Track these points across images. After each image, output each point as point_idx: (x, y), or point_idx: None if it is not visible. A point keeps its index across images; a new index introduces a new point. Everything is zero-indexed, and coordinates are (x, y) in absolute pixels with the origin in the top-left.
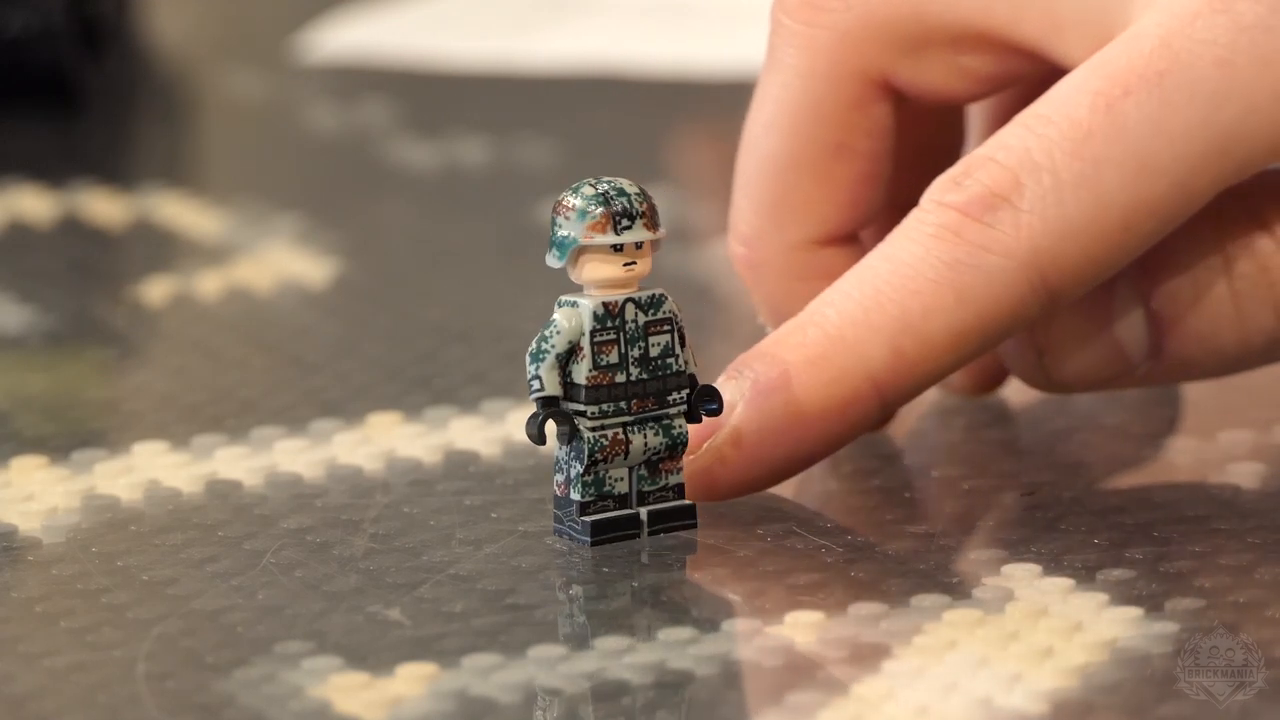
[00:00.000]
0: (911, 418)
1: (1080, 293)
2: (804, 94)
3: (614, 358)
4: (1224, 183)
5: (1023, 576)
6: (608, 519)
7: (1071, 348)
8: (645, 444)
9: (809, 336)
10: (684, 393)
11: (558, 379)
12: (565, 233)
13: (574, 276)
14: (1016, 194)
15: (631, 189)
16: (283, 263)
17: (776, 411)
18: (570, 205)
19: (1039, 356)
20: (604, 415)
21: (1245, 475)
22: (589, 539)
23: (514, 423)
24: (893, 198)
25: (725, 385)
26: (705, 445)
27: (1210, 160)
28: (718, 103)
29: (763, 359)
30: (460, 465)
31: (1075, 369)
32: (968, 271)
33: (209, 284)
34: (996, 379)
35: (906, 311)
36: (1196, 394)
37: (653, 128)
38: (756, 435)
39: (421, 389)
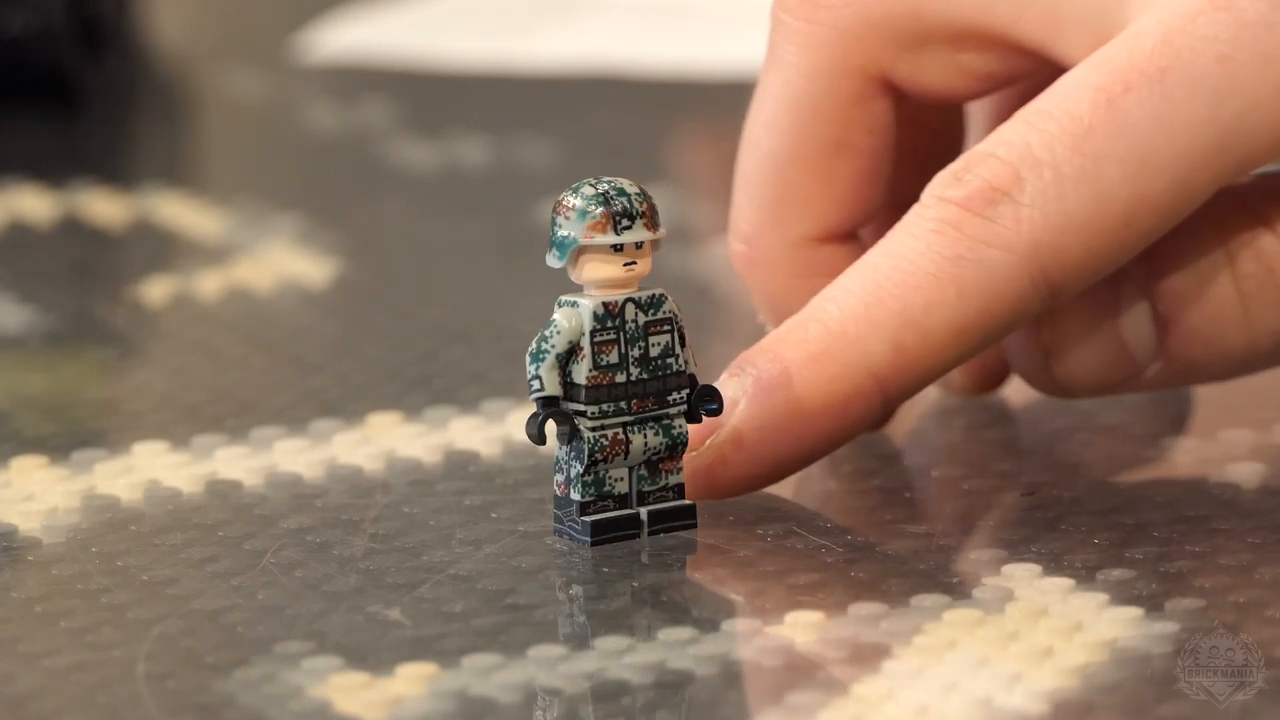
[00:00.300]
0: (911, 418)
1: (1081, 288)
2: (804, 91)
3: (614, 358)
4: (1225, 179)
5: (1023, 576)
6: (608, 519)
7: (1078, 352)
8: (645, 444)
9: (811, 333)
10: (684, 393)
11: (558, 379)
12: (565, 233)
13: (574, 276)
14: (1017, 188)
15: (631, 189)
16: (283, 263)
17: (779, 408)
18: (570, 205)
19: (1046, 360)
20: (604, 415)
21: (1245, 475)
22: (589, 539)
23: (514, 423)
24: (892, 196)
25: (727, 383)
26: (707, 443)
27: (1211, 157)
28: (718, 103)
29: (765, 356)
30: (460, 465)
31: (1082, 373)
32: (969, 266)
33: (209, 284)
34: (997, 379)
35: (908, 307)
36: (1197, 394)
37: (653, 128)
38: (759, 432)
39: (421, 389)
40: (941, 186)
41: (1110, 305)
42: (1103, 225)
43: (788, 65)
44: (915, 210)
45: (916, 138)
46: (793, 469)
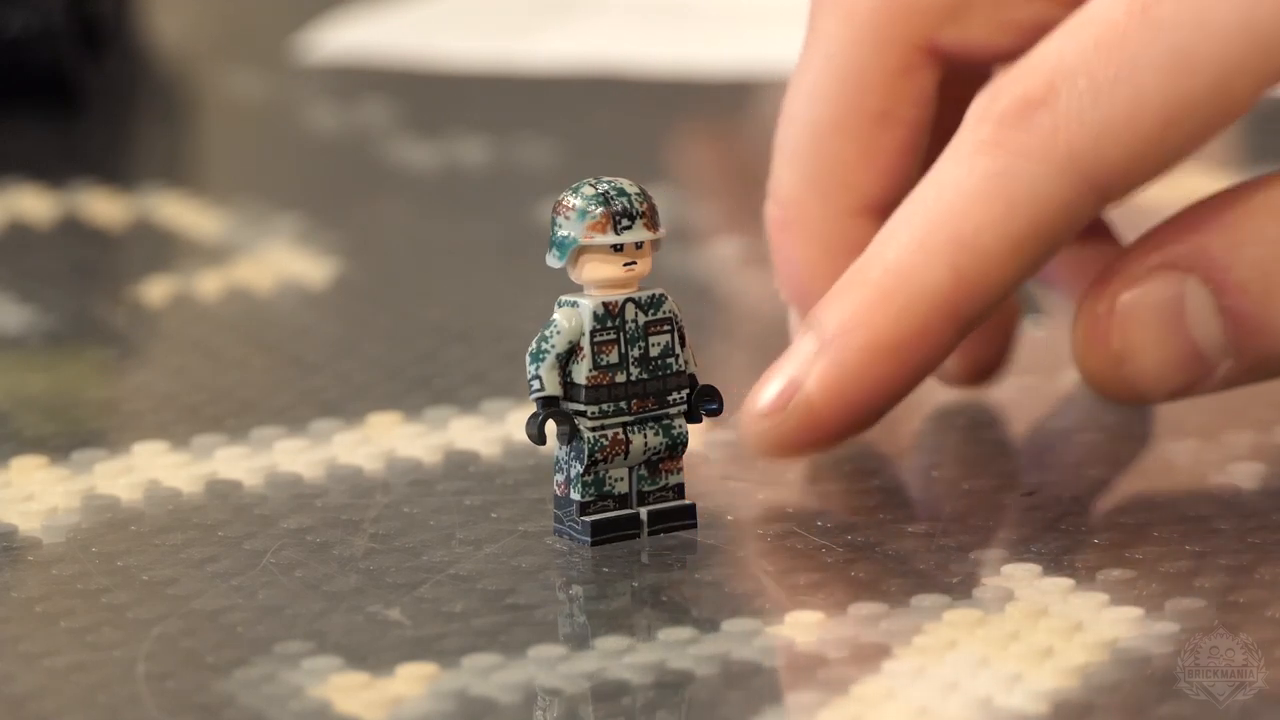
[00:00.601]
0: (912, 418)
1: (1130, 191)
2: (848, 61)
3: (614, 358)
4: (1265, 85)
5: (1023, 576)
6: (608, 519)
7: (1148, 355)
8: (645, 444)
9: (871, 276)
10: (684, 392)
11: (558, 379)
12: (565, 233)
13: (574, 276)
14: (1052, 98)
15: (631, 189)
16: (283, 263)
17: (853, 355)
18: (570, 205)
19: (1118, 367)
20: (604, 415)
21: (1245, 475)
22: (589, 539)
23: (514, 423)
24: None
25: (802, 340)
26: (791, 404)
27: (1249, 60)
28: (718, 103)
29: (831, 307)
30: (460, 465)
31: (1154, 375)
32: (1012, 180)
33: (209, 284)
34: (990, 368)
35: (959, 232)
36: None
37: (653, 128)
38: (840, 382)
39: (421, 389)
40: (979, 108)
41: (1176, 305)
42: (1141, 129)
43: (830, 37)
44: (956, 137)
45: (950, 112)
46: (878, 413)
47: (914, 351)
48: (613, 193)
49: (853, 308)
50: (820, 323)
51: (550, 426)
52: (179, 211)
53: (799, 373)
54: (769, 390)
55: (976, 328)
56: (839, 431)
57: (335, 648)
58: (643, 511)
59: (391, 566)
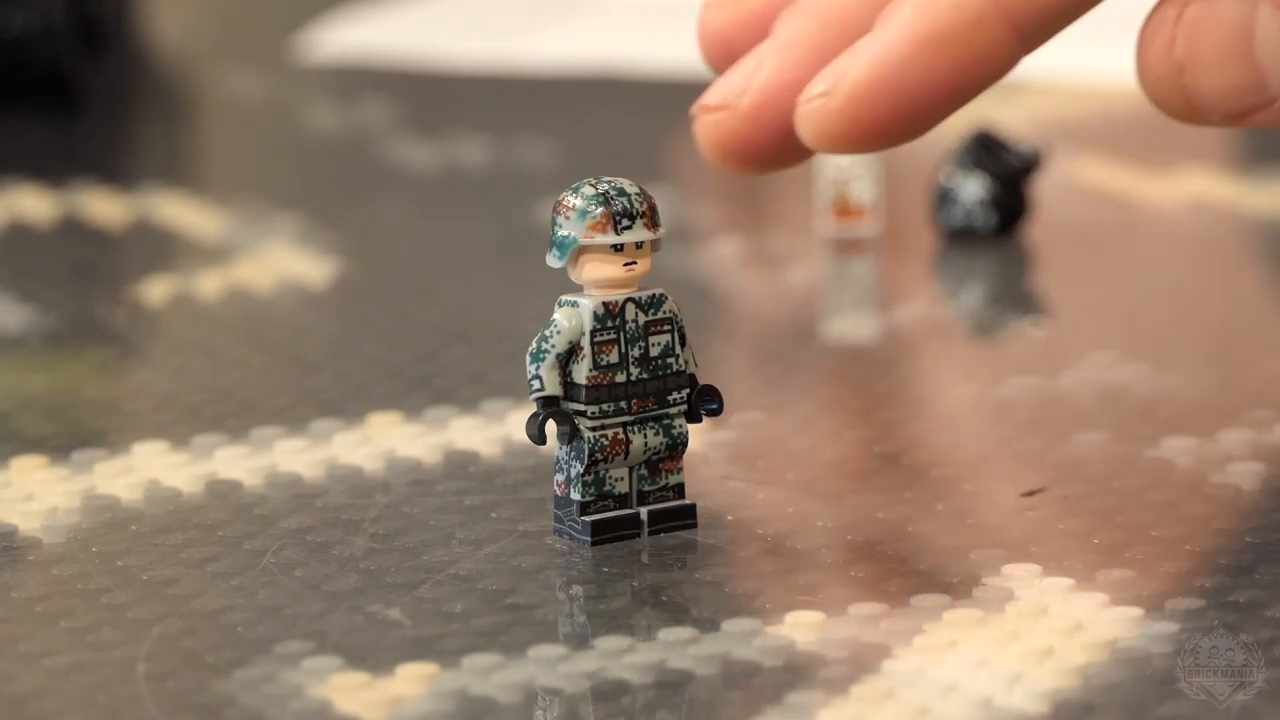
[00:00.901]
0: (912, 417)
1: None
2: None
3: (614, 357)
4: None
5: (1023, 576)
6: (608, 519)
7: (1211, 70)
8: (645, 444)
9: None
10: (684, 392)
11: (558, 379)
12: (565, 232)
13: (574, 276)
14: None
15: (631, 189)
16: (283, 263)
17: (903, 40)
18: (570, 205)
19: (1179, 77)
20: (604, 415)
21: (1245, 475)
22: (589, 539)
23: (514, 423)
24: None
25: (867, 36)
26: (838, 85)
27: None
28: None
29: (896, 4)
30: (460, 465)
31: (1213, 92)
32: None
33: (209, 284)
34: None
35: None
36: (1196, 394)
37: (653, 128)
38: (885, 66)
39: (421, 389)
40: None
41: (1246, 25)
42: None
43: None
44: None
45: None
46: (921, 111)
47: (964, 48)
48: (613, 193)
49: (912, 1)
50: (883, 17)
51: (550, 426)
52: (179, 211)
53: (854, 57)
54: (824, 72)
55: (1034, 47)
56: (879, 121)
57: (335, 648)
58: (643, 511)
59: (391, 566)
